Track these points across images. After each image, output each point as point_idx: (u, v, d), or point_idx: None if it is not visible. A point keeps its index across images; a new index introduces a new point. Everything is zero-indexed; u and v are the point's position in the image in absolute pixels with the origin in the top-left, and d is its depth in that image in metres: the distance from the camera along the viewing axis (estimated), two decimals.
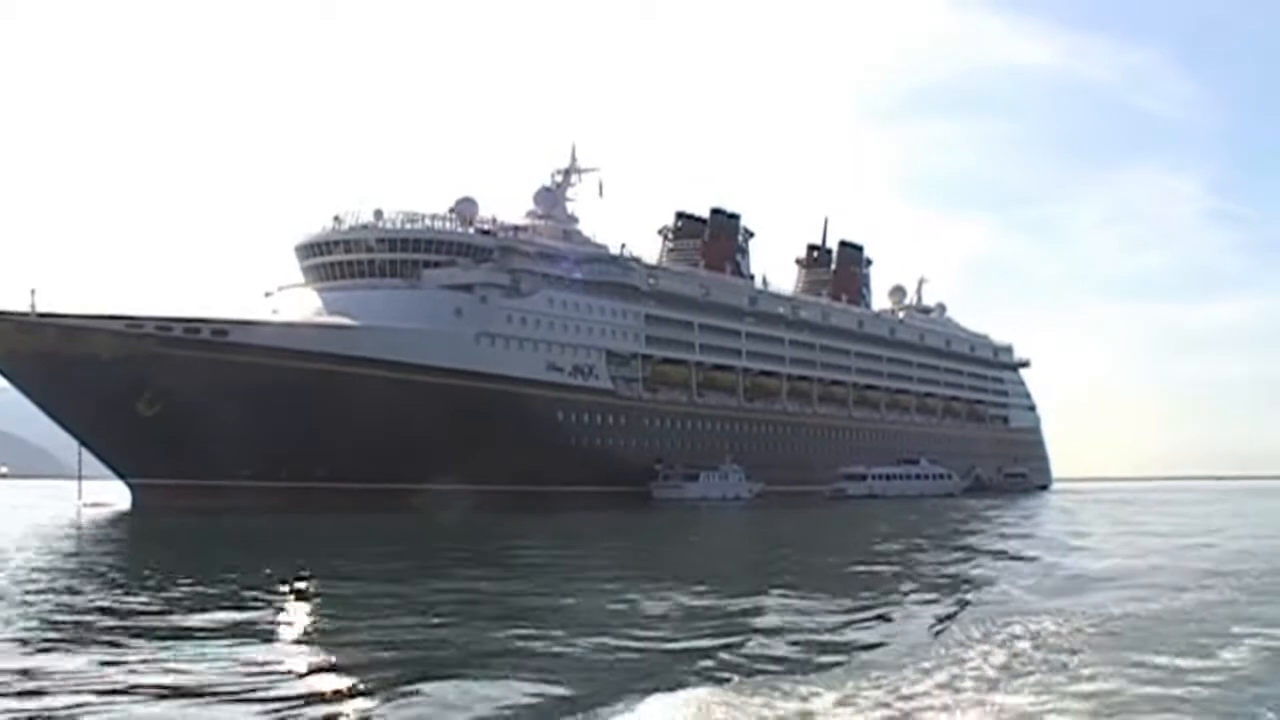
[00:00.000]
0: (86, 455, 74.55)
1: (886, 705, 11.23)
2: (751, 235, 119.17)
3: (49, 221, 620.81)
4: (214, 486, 67.96)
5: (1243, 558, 30.93)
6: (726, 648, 15.06)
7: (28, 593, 22.69)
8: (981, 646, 14.53)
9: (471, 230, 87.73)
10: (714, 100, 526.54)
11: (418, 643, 15.96)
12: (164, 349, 69.70)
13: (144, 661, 14.14)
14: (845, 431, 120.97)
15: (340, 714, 11.43)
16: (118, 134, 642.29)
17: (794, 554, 37.25)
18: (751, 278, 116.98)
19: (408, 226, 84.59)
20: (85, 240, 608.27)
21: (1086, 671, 12.87)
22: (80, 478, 75.26)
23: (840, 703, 11.29)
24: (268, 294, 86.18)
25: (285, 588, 22.42)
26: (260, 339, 72.67)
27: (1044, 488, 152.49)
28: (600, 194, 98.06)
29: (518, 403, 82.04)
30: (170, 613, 19.21)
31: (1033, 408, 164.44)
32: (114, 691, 12.31)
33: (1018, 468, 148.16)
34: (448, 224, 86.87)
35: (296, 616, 19.14)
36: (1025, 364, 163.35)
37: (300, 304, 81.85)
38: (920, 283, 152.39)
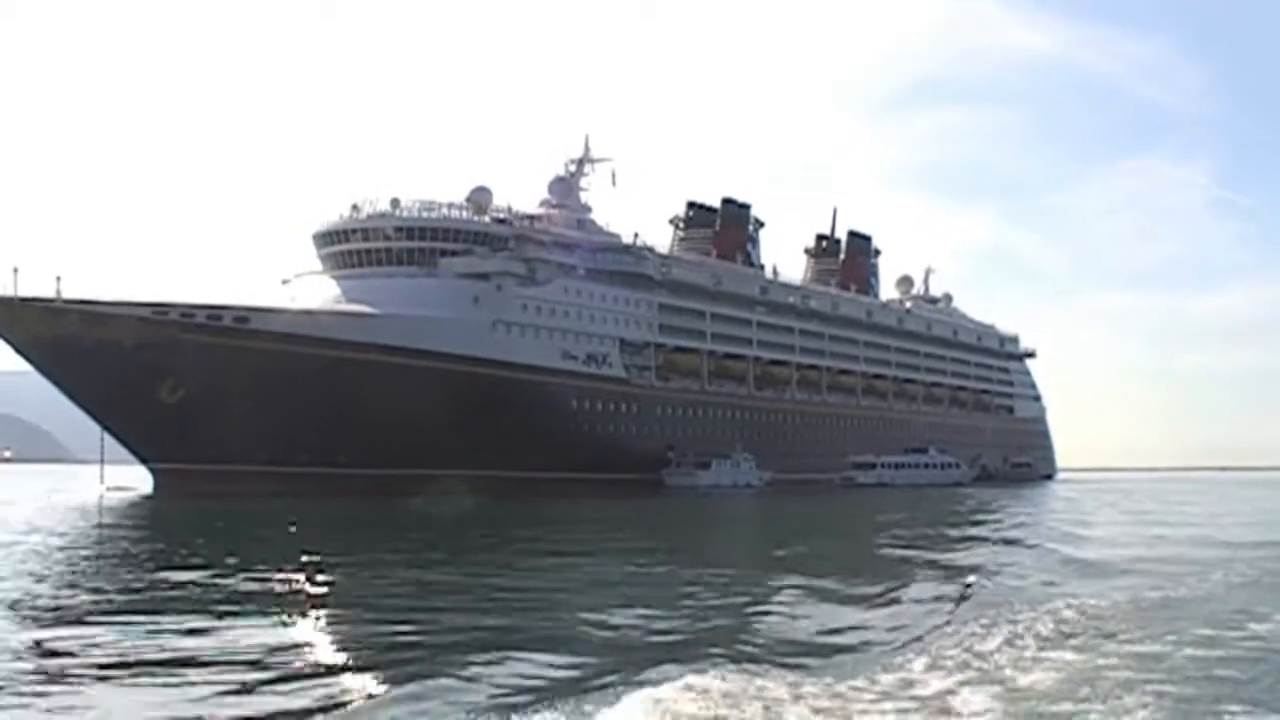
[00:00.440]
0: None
1: (894, 691, 11.40)
2: (762, 225, 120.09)
3: (68, 211, 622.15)
4: (235, 471, 68.58)
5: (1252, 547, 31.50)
6: (736, 630, 15.36)
7: (74, 572, 23.88)
8: (996, 631, 14.84)
9: (487, 219, 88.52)
10: (722, 90, 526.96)
11: (440, 624, 16.31)
12: (187, 335, 70.70)
13: (173, 635, 14.92)
14: (854, 420, 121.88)
15: (351, 694, 11.55)
16: (138, 125, 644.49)
17: (807, 539, 37.97)
18: (762, 267, 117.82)
19: (425, 215, 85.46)
20: (101, 230, 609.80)
21: (1089, 655, 13.26)
22: (103, 462, 76.14)
23: (851, 688, 11.42)
24: (284, 281, 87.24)
25: (308, 571, 22.69)
26: (281, 326, 73.70)
27: (1049, 477, 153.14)
28: (613, 183, 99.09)
29: (532, 390, 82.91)
30: (201, 591, 19.93)
31: (1038, 398, 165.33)
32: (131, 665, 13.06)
33: (1023, 457, 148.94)
34: (463, 213, 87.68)
35: (324, 598, 19.46)
36: (1031, 354, 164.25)
37: (318, 291, 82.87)
38: (927, 273, 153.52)
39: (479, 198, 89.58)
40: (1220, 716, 10.58)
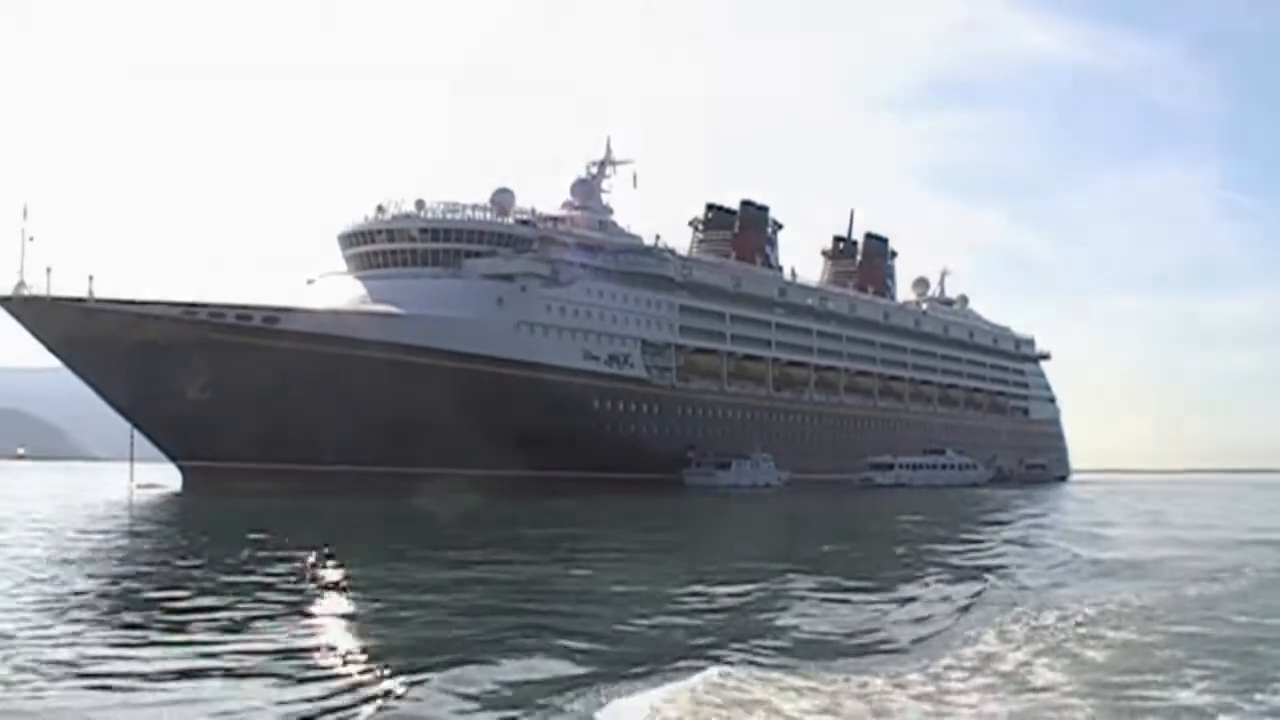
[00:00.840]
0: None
1: (914, 689, 11.36)
2: (780, 227, 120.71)
3: (93, 211, 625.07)
4: (264, 469, 69.43)
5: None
6: (754, 628, 15.50)
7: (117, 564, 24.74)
8: (1016, 630, 14.95)
9: (510, 220, 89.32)
10: (739, 92, 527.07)
11: (462, 622, 16.33)
12: (217, 335, 71.66)
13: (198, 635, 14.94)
14: (870, 422, 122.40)
15: (373, 694, 11.30)
16: (164, 126, 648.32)
17: (829, 539, 38.31)
18: (780, 269, 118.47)
19: (450, 217, 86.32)
20: (126, 230, 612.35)
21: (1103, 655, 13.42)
22: (132, 460, 76.98)
23: (863, 686, 11.39)
24: (310, 281, 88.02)
25: (340, 568, 22.79)
26: (310, 326, 74.59)
27: (1063, 479, 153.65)
28: (634, 185, 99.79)
29: (555, 391, 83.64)
30: (234, 590, 20.06)
31: (1053, 399, 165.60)
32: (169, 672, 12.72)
33: (1038, 459, 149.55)
34: (486, 214, 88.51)
35: (353, 595, 19.64)
36: (1046, 356, 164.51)
37: (344, 292, 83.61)
38: (943, 274, 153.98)
39: (501, 199, 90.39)
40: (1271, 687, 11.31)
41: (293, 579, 20.99)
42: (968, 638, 14.57)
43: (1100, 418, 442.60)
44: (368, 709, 10.61)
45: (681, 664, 12.29)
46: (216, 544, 31.66)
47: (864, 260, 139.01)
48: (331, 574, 21.72)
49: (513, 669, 12.34)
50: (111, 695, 11.37)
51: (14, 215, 69.78)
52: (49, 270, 70.52)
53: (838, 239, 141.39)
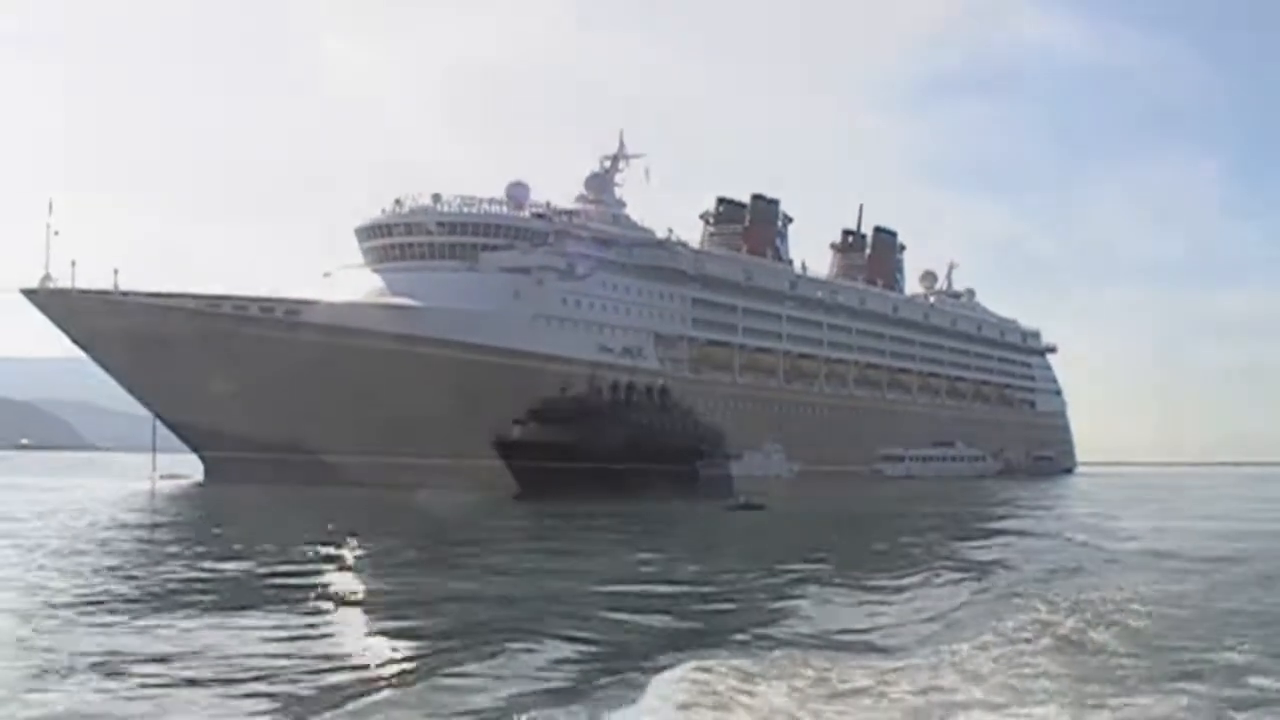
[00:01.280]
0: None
1: (923, 680, 11.27)
2: (790, 220, 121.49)
3: (111, 203, 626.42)
4: (287, 460, 70.26)
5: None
6: (763, 617, 15.79)
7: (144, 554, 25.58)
8: (1029, 620, 14.89)
9: (524, 214, 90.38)
10: (747, 86, 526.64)
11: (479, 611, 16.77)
12: (240, 327, 72.84)
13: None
14: (880, 414, 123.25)
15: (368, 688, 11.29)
16: (183, 119, 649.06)
17: (844, 529, 39.26)
18: (790, 262, 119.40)
19: (466, 210, 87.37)
20: (145, 223, 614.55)
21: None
22: (155, 451, 77.91)
23: (872, 675, 11.34)
24: (326, 274, 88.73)
25: (367, 557, 23.37)
26: (331, 318, 75.62)
27: (1069, 471, 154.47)
28: (647, 179, 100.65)
29: (570, 382, 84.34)
30: (266, 579, 20.64)
31: (1059, 392, 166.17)
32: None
33: (1045, 451, 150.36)
34: (502, 208, 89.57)
35: (385, 584, 20.12)
36: (1052, 349, 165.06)
37: (361, 285, 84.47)
38: (950, 268, 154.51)
39: (516, 193, 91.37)
40: None
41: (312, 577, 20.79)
42: (978, 626, 14.56)
43: (1105, 411, 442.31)
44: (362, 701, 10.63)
45: (676, 657, 12.09)
46: (235, 532, 32.32)
47: (873, 254, 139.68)
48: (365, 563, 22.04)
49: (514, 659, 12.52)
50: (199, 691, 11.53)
51: (39, 209, 70.62)
52: (74, 263, 71.78)
53: (847, 232, 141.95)
